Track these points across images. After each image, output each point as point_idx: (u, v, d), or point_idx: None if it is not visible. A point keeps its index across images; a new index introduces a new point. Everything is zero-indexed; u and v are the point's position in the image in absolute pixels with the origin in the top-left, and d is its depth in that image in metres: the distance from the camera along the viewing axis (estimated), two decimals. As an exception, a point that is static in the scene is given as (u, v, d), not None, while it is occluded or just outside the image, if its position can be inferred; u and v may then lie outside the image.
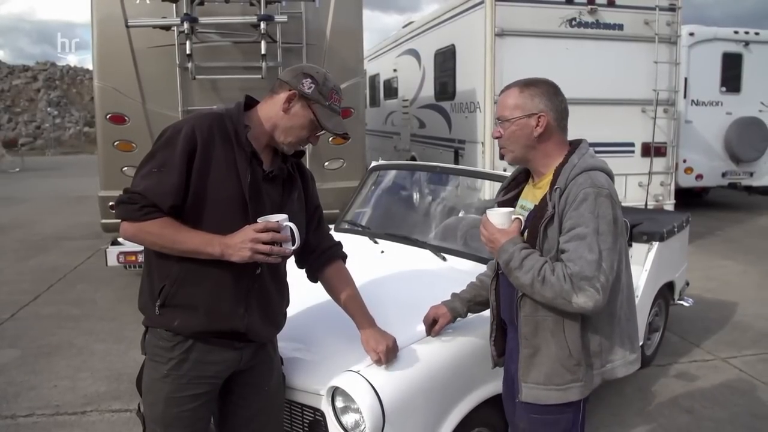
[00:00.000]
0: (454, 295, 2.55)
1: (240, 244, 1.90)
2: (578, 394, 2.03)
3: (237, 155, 2.00)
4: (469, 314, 2.55)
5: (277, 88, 2.10)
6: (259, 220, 1.94)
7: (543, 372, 2.03)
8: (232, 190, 1.98)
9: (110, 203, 5.24)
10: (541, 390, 2.04)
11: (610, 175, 2.02)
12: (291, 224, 1.96)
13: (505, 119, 2.07)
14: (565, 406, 2.04)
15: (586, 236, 1.88)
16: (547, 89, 2.06)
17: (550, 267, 1.91)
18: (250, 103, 2.16)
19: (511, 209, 2.14)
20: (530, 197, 2.15)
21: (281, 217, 1.96)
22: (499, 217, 2.07)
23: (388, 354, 2.27)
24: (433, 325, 2.49)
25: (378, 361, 2.26)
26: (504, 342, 2.32)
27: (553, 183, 2.00)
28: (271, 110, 2.08)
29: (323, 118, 2.07)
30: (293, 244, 1.97)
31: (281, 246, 1.94)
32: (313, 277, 2.46)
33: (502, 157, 2.23)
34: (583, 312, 1.91)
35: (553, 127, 2.05)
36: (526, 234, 2.05)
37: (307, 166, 2.49)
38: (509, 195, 2.27)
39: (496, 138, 2.13)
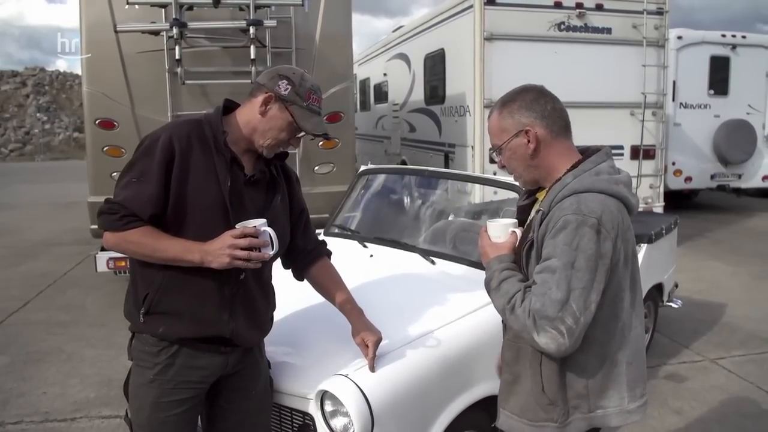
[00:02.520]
0: None
1: (218, 251, 1.90)
2: None
3: (216, 161, 1.99)
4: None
5: (254, 90, 2.09)
6: (238, 225, 1.94)
7: (519, 403, 1.88)
8: (213, 197, 1.98)
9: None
10: (516, 421, 1.89)
11: (620, 198, 1.76)
12: (269, 229, 1.96)
13: (497, 147, 1.89)
14: None
15: (556, 270, 1.66)
16: (526, 98, 1.84)
17: (521, 297, 1.72)
18: (231, 107, 2.15)
19: (512, 221, 1.97)
20: (535, 210, 1.96)
21: (259, 222, 1.95)
22: (495, 230, 1.93)
23: (376, 346, 2.27)
24: None
25: (370, 359, 2.25)
26: None
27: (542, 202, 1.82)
28: (249, 114, 2.07)
29: (301, 119, 2.05)
30: (272, 249, 1.97)
31: (260, 251, 1.94)
32: (299, 276, 2.47)
33: (492, 161, 2.15)
34: (548, 353, 1.72)
35: (546, 138, 1.82)
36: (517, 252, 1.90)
37: (297, 170, 2.49)
38: (530, 200, 2.03)
39: (502, 168, 1.96)
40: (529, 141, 1.81)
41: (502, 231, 1.92)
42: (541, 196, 1.90)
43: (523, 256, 1.82)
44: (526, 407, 1.86)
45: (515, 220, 1.98)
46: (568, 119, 1.87)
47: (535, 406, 1.83)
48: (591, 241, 1.66)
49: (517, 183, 2.05)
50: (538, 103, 1.83)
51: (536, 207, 1.92)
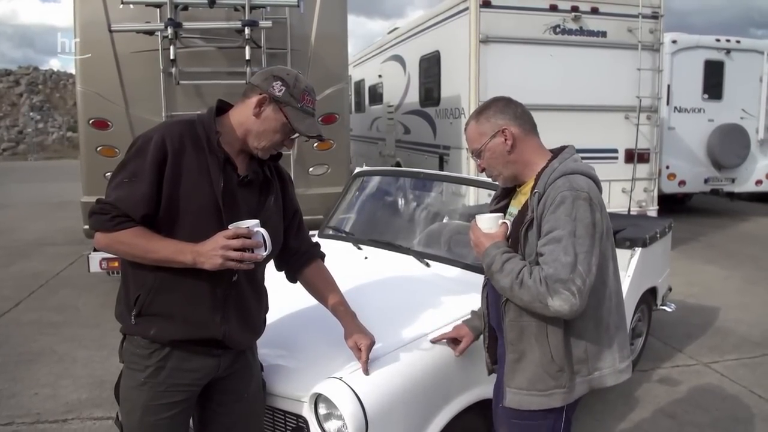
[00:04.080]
0: (473, 312, 2.54)
1: (211, 252, 1.88)
2: (561, 400, 2.01)
3: (209, 162, 1.98)
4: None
5: (248, 91, 2.08)
6: (230, 226, 1.92)
7: (526, 377, 2.02)
8: (206, 198, 1.97)
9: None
10: (524, 395, 2.02)
11: (595, 180, 2.01)
12: (262, 230, 1.95)
13: (477, 150, 2.11)
14: (547, 412, 2.03)
15: (561, 239, 1.87)
16: (498, 105, 2.10)
17: (528, 270, 1.91)
18: (225, 108, 2.14)
19: (499, 214, 2.15)
20: (516, 203, 2.17)
21: (252, 223, 1.94)
22: (486, 222, 2.09)
23: (369, 351, 2.26)
24: (456, 343, 2.49)
25: (363, 362, 2.25)
26: (497, 348, 2.31)
27: (533, 187, 2.00)
28: (242, 115, 2.06)
29: (295, 120, 2.04)
30: (265, 250, 1.96)
31: (253, 252, 1.93)
32: (292, 278, 2.46)
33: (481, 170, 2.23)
34: (560, 315, 1.90)
35: (520, 135, 2.07)
36: (510, 239, 2.06)
37: (291, 172, 2.48)
38: (501, 203, 2.26)
39: (482, 171, 2.17)
40: (506, 139, 2.05)
41: (492, 222, 2.09)
42: (527, 188, 2.08)
43: (521, 237, 1.99)
44: (534, 379, 2.01)
45: (502, 214, 2.17)
46: (534, 121, 2.13)
47: (544, 375, 2.00)
48: (586, 212, 1.90)
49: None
50: (509, 108, 2.10)
51: (514, 203, 2.18)
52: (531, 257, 1.96)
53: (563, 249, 1.86)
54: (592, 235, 1.90)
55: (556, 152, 2.10)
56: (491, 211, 2.23)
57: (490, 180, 2.34)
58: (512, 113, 2.08)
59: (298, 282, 2.47)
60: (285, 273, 2.46)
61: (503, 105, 2.10)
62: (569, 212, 1.88)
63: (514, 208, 2.17)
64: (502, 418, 2.16)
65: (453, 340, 2.50)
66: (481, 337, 2.40)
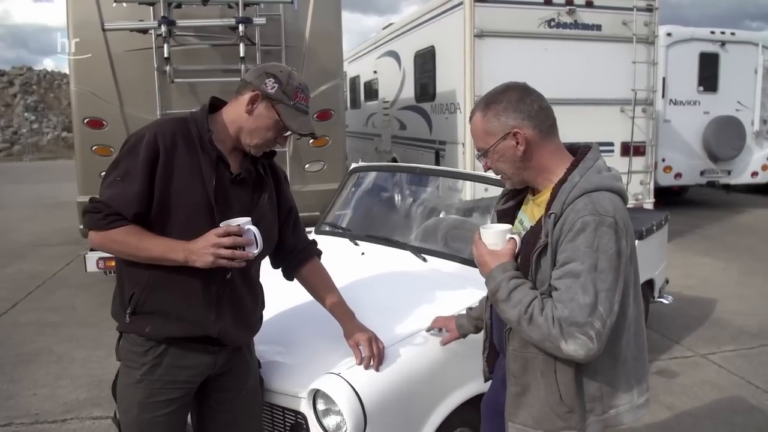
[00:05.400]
0: (467, 309, 2.40)
1: (202, 250, 1.88)
2: None
3: (202, 160, 1.98)
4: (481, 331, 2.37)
5: (241, 88, 2.07)
6: (222, 224, 1.92)
7: (532, 414, 1.81)
8: (198, 196, 1.96)
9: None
10: None
11: (622, 195, 1.73)
12: (253, 227, 1.94)
13: (484, 150, 1.82)
14: None
15: (580, 274, 1.61)
16: (510, 99, 1.77)
17: (540, 305, 1.66)
18: (218, 105, 2.13)
19: (507, 227, 1.87)
20: (529, 213, 1.90)
21: (243, 221, 1.93)
22: (491, 237, 1.82)
23: (371, 347, 2.26)
24: (439, 330, 2.45)
25: (365, 358, 2.25)
26: (496, 361, 2.21)
27: (548, 205, 1.72)
28: (235, 112, 2.06)
29: (288, 118, 2.03)
30: (257, 248, 1.95)
31: (244, 250, 1.92)
32: (289, 276, 2.45)
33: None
34: (574, 360, 1.67)
35: (536, 138, 1.76)
36: (519, 259, 1.80)
37: (287, 168, 2.48)
38: (510, 203, 2.01)
39: (487, 170, 1.90)
40: (518, 143, 1.75)
41: (498, 238, 1.82)
42: (541, 198, 1.82)
43: (532, 262, 1.73)
44: (541, 418, 1.80)
45: (509, 226, 1.89)
46: (554, 117, 1.81)
47: (552, 415, 1.78)
48: (611, 241, 1.63)
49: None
50: (524, 103, 1.77)
51: (526, 211, 1.90)
52: (544, 285, 1.71)
53: (582, 287, 1.61)
54: (616, 269, 1.64)
55: (576, 155, 1.80)
56: (497, 212, 2.03)
57: (486, 175, 2.29)
58: (527, 111, 1.75)
59: (295, 280, 2.47)
60: (282, 271, 2.46)
61: (517, 99, 1.76)
62: (590, 242, 1.62)
63: (525, 218, 1.90)
64: None
65: (441, 329, 2.46)
66: (482, 342, 2.26)
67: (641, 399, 1.86)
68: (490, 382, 2.31)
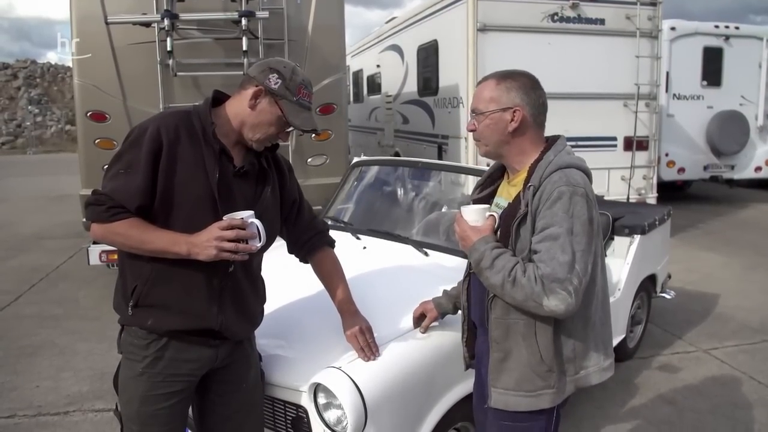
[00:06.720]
0: (444, 291, 2.51)
1: (205, 243, 1.88)
2: (549, 401, 1.95)
3: (205, 153, 1.98)
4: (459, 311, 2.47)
5: (244, 83, 2.07)
6: (225, 217, 1.92)
7: (513, 377, 1.96)
8: (201, 189, 1.96)
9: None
10: (511, 396, 1.96)
11: (588, 173, 1.94)
12: (256, 221, 1.94)
13: (479, 112, 1.98)
14: (537, 413, 1.97)
15: (559, 236, 1.79)
16: (525, 83, 1.97)
17: (522, 268, 1.82)
18: (222, 99, 2.13)
19: (486, 206, 2.07)
20: (505, 195, 2.08)
21: (246, 214, 1.94)
22: (472, 214, 1.99)
23: (362, 337, 2.30)
24: (421, 320, 2.49)
25: (358, 350, 2.28)
26: (475, 344, 2.27)
27: (527, 180, 1.91)
28: (238, 107, 2.06)
29: (290, 114, 2.03)
30: (260, 241, 1.95)
31: (247, 243, 1.93)
32: (303, 259, 2.48)
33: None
34: (554, 315, 1.83)
35: (529, 123, 1.96)
36: (499, 233, 1.97)
37: (290, 162, 2.47)
38: (485, 192, 2.18)
39: (471, 131, 2.04)
40: (513, 119, 1.94)
41: (479, 215, 2.00)
42: (517, 179, 2.00)
43: (512, 232, 1.90)
44: (521, 379, 1.95)
45: (488, 205, 2.09)
46: (546, 115, 2.03)
47: (532, 376, 1.94)
48: (584, 208, 1.83)
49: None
50: (534, 92, 1.97)
51: (502, 193, 2.09)
52: (523, 253, 1.88)
53: (560, 247, 1.79)
54: (589, 233, 1.83)
55: (550, 142, 2.01)
56: (474, 201, 2.16)
57: (488, 169, 2.31)
58: (534, 99, 1.96)
59: (309, 266, 2.49)
60: (296, 255, 2.49)
61: (531, 86, 1.97)
62: (567, 209, 1.81)
63: (501, 200, 2.08)
64: (491, 419, 2.07)
65: (420, 317, 2.50)
66: (460, 329, 2.33)
67: (606, 362, 2.05)
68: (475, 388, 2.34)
